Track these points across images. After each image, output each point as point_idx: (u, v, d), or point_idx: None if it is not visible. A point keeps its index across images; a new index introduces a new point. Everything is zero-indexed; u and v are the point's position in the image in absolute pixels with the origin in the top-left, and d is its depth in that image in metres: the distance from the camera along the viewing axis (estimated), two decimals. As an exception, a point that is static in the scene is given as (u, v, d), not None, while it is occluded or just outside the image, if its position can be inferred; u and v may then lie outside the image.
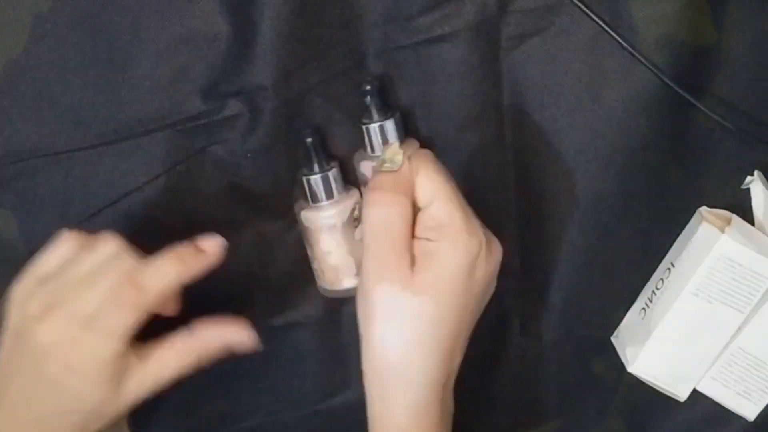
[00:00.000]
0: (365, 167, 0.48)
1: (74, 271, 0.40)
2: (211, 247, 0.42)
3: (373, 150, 0.47)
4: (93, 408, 0.40)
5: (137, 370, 0.41)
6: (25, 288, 0.41)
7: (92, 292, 0.39)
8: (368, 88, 0.46)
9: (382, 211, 0.39)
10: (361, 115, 0.47)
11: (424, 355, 0.39)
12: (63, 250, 0.42)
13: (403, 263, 0.38)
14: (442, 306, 0.39)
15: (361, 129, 0.47)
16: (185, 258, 0.41)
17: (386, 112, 0.47)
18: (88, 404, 0.40)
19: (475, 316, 0.42)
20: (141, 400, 0.41)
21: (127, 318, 0.39)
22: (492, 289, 0.42)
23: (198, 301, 0.45)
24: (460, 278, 0.39)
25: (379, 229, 0.39)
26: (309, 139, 0.46)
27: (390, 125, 0.47)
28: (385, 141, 0.47)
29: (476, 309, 0.41)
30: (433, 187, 0.40)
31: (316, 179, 0.47)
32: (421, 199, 0.40)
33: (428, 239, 0.39)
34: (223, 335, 0.42)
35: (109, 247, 0.41)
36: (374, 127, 0.47)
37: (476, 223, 0.40)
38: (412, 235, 0.40)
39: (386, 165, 0.41)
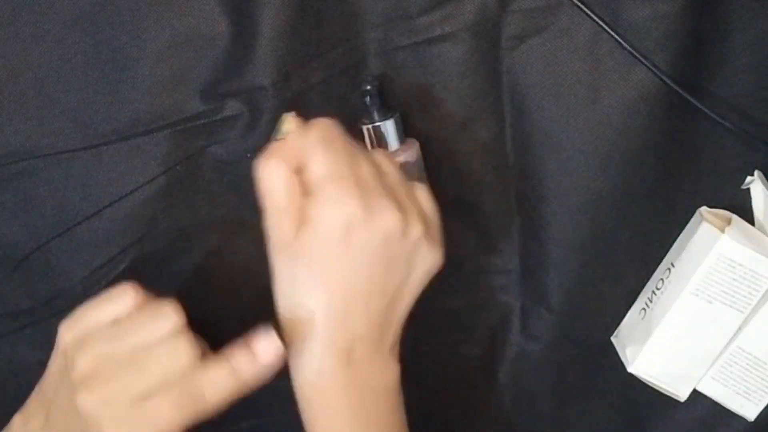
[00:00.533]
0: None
1: (129, 338, 0.39)
2: (266, 354, 0.39)
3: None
4: None
5: None
6: (75, 333, 0.40)
7: (146, 376, 0.38)
8: (368, 88, 0.46)
9: (264, 176, 0.40)
10: (361, 116, 0.47)
11: (309, 316, 0.40)
12: (121, 305, 0.40)
13: (282, 226, 0.39)
14: (316, 268, 0.39)
15: (361, 129, 0.47)
16: (242, 370, 0.39)
17: (386, 112, 0.47)
18: None
19: (384, 283, 0.41)
20: None
21: (174, 419, 0.38)
22: (398, 256, 0.41)
23: (201, 301, 0.45)
24: (331, 241, 0.39)
25: (264, 194, 0.40)
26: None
27: (390, 126, 0.47)
28: (383, 142, 0.47)
29: (378, 274, 0.40)
30: (313, 151, 0.40)
31: (376, 127, 0.46)
32: (306, 161, 0.40)
33: (308, 202, 0.39)
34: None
35: (169, 323, 0.39)
36: (374, 128, 0.47)
37: (351, 187, 0.39)
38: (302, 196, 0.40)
39: (278, 135, 0.41)
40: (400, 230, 0.40)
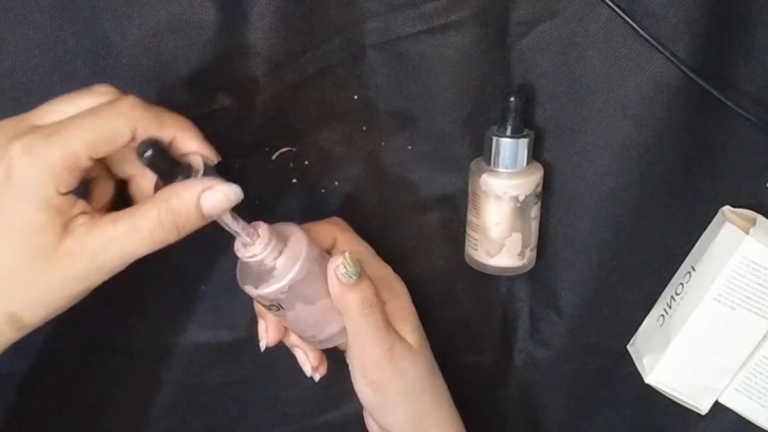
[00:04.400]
0: (485, 181, 0.47)
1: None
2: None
3: (497, 165, 0.46)
4: (39, 241, 0.34)
5: (97, 227, 0.35)
6: None
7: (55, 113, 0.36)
8: (512, 99, 0.45)
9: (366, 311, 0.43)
10: (491, 123, 0.47)
11: None
12: None
13: (399, 339, 0.45)
14: (428, 350, 0.47)
15: (491, 139, 0.46)
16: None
17: (521, 129, 0.46)
18: (32, 230, 0.34)
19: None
20: (105, 271, 0.36)
21: (86, 135, 0.34)
22: None
23: (193, 302, 0.45)
24: (418, 318, 0.47)
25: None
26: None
27: (523, 145, 0.46)
28: (513, 160, 0.46)
29: None
30: (358, 251, 0.46)
31: (507, 143, 0.46)
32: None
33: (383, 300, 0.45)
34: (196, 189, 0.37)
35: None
36: (507, 142, 0.46)
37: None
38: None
39: (351, 279, 0.42)
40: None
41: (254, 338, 0.45)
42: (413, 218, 0.51)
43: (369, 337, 0.43)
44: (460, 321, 0.55)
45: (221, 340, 0.50)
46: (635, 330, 0.53)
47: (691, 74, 0.44)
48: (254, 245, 0.39)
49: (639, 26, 0.43)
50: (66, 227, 0.34)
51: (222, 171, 0.41)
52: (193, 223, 0.36)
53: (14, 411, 0.51)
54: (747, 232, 0.46)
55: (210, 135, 0.45)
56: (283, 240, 0.40)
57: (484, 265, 0.49)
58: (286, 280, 0.39)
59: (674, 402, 0.51)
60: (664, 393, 0.51)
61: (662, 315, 0.51)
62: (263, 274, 0.40)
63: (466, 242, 0.50)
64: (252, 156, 0.46)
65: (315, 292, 0.41)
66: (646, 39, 0.43)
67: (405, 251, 0.49)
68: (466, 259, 0.50)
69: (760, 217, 0.48)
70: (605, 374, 0.55)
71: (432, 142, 0.49)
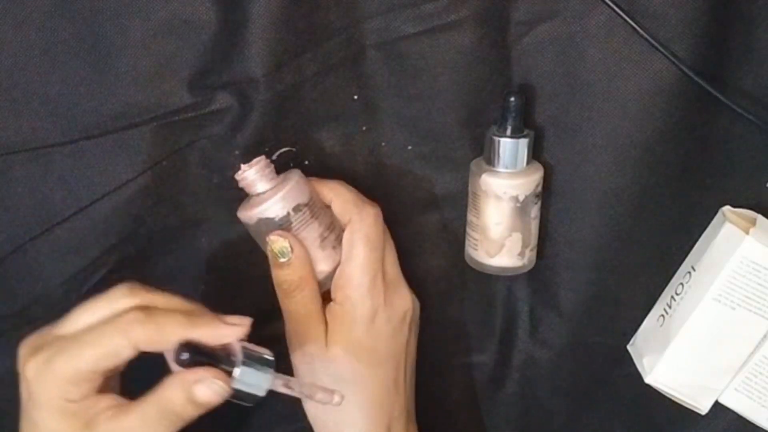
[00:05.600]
0: (486, 181, 0.47)
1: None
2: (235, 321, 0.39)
3: (497, 164, 0.46)
4: None
5: (116, 420, 0.38)
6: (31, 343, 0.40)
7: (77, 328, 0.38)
8: (512, 99, 0.45)
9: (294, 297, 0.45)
10: (491, 123, 0.47)
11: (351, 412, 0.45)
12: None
13: (315, 336, 0.45)
14: (349, 367, 0.45)
15: (491, 139, 0.46)
16: (195, 320, 0.38)
17: (521, 129, 0.46)
18: None
19: (395, 355, 0.46)
20: None
21: (86, 354, 0.37)
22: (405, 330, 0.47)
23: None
24: (362, 338, 0.45)
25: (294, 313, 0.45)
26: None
27: (523, 145, 0.46)
28: (513, 160, 0.46)
29: (393, 352, 0.46)
30: (351, 248, 0.45)
31: (507, 143, 0.46)
32: (344, 253, 0.46)
33: (335, 301, 0.45)
34: (187, 391, 0.38)
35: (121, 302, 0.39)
36: (507, 142, 0.46)
37: (379, 282, 0.45)
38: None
39: (280, 259, 0.44)
40: (413, 309, 0.48)
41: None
42: (413, 218, 0.51)
43: (285, 317, 0.45)
44: (461, 321, 0.54)
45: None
46: (635, 330, 0.53)
47: (691, 74, 0.44)
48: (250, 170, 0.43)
49: (639, 26, 0.43)
50: (89, 425, 0.37)
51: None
52: (190, 412, 0.38)
53: (14, 411, 0.51)
54: (747, 232, 0.46)
55: (210, 135, 0.46)
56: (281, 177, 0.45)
57: (484, 265, 0.49)
58: (279, 196, 0.43)
59: (674, 402, 0.51)
60: (664, 393, 0.50)
61: (662, 315, 0.51)
62: (259, 200, 0.44)
63: (466, 242, 0.50)
64: (252, 156, 0.46)
65: (310, 224, 0.44)
66: (646, 39, 0.43)
67: (405, 251, 0.49)
68: (466, 259, 0.50)
69: (760, 217, 0.48)
70: (605, 374, 0.55)
71: (432, 142, 0.49)
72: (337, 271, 0.45)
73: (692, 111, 0.46)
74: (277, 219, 0.44)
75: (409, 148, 0.49)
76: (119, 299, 0.39)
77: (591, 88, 0.46)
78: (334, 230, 0.45)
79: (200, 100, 0.45)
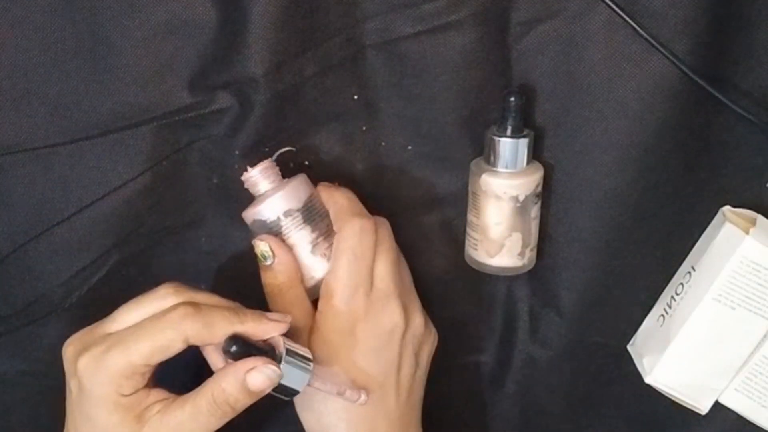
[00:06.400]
0: (486, 181, 0.47)
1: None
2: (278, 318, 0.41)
3: (497, 164, 0.46)
4: None
5: (167, 413, 0.39)
6: (76, 344, 0.41)
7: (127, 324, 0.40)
8: (512, 99, 0.45)
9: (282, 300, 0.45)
10: (491, 123, 0.47)
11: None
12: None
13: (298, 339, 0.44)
14: (321, 379, 0.43)
15: (491, 139, 0.46)
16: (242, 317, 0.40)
17: (521, 129, 0.46)
18: (112, 429, 0.39)
19: (381, 373, 0.45)
20: None
21: (140, 347, 0.38)
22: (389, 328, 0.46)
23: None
24: (338, 350, 0.44)
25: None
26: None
27: (523, 145, 0.46)
28: (513, 160, 0.46)
29: (379, 369, 0.45)
30: (335, 257, 0.45)
31: (507, 143, 0.46)
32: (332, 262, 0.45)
33: (318, 310, 0.45)
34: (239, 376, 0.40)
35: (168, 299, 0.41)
36: (507, 142, 0.46)
37: (359, 295, 0.44)
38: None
39: (263, 262, 0.44)
40: (405, 326, 0.46)
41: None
42: (413, 218, 0.51)
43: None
44: (460, 321, 0.54)
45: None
46: (635, 330, 0.53)
47: (691, 74, 0.44)
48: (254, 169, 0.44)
49: (639, 26, 0.43)
50: (141, 419, 0.39)
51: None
52: (243, 401, 0.39)
53: (14, 411, 0.51)
54: (747, 232, 0.46)
55: (210, 135, 0.46)
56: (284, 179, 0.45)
57: (484, 265, 0.49)
58: (275, 199, 0.44)
59: (674, 402, 0.51)
60: (664, 393, 0.50)
61: (662, 315, 0.51)
62: (260, 199, 0.44)
63: (466, 242, 0.50)
64: (252, 156, 0.46)
65: (306, 229, 0.44)
66: (646, 39, 0.43)
67: (405, 251, 0.49)
68: (466, 259, 0.50)
69: (760, 217, 0.48)
70: (605, 374, 0.55)
71: (432, 142, 0.49)
72: (323, 280, 0.45)
73: (692, 111, 0.46)
74: (268, 222, 0.44)
75: (409, 148, 0.49)
76: (165, 297, 0.40)
77: (591, 88, 0.45)
78: (329, 238, 0.45)
79: (200, 100, 0.44)
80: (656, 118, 0.46)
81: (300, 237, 0.44)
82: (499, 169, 0.47)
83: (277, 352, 0.40)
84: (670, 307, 0.50)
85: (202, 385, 0.39)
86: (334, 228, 0.45)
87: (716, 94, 0.45)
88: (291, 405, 0.45)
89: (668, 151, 0.47)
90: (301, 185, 0.45)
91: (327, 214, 0.45)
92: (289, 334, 0.43)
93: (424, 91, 0.47)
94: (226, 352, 0.39)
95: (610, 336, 0.54)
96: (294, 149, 0.47)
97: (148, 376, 0.39)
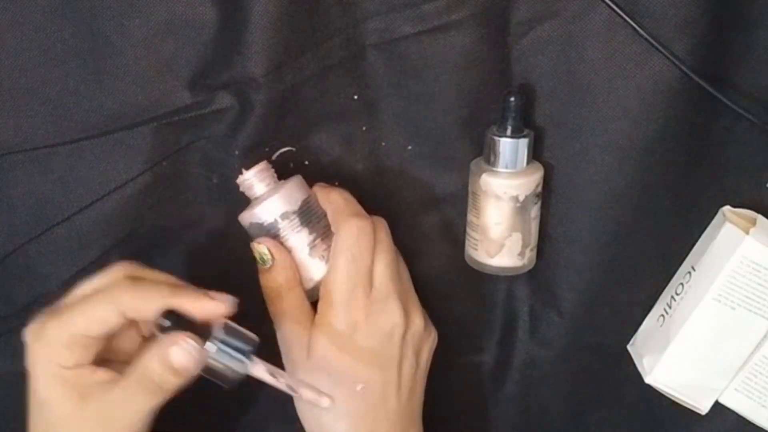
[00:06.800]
0: (486, 181, 0.47)
1: None
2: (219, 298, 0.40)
3: (497, 164, 0.46)
4: (62, 410, 0.39)
5: (109, 391, 0.39)
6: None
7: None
8: (512, 99, 0.45)
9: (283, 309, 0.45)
10: (491, 123, 0.47)
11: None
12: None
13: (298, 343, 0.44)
14: (326, 377, 0.44)
15: (491, 139, 0.46)
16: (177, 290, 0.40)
17: (521, 129, 0.46)
18: (53, 401, 0.39)
19: (382, 374, 0.45)
20: (124, 428, 0.39)
21: (76, 318, 0.39)
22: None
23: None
24: (340, 349, 0.44)
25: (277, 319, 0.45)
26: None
27: (523, 145, 0.46)
28: (513, 160, 0.46)
29: (379, 369, 0.45)
30: (332, 258, 0.44)
31: (507, 143, 0.46)
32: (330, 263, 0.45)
33: (317, 312, 0.45)
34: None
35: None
36: (507, 142, 0.46)
37: (358, 295, 0.44)
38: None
39: (262, 265, 0.44)
40: (404, 325, 0.45)
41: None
42: (413, 218, 0.51)
43: (275, 323, 0.45)
44: (460, 321, 0.54)
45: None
46: (635, 330, 0.53)
47: (691, 74, 0.44)
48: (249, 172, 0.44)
49: (639, 26, 0.43)
50: (84, 396, 0.38)
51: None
52: (169, 380, 0.39)
53: (14, 411, 0.51)
54: (747, 232, 0.46)
55: (210, 135, 0.46)
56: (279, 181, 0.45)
57: (484, 265, 0.49)
58: (273, 200, 0.43)
59: (674, 402, 0.51)
60: (664, 393, 0.50)
61: (662, 315, 0.51)
62: (256, 201, 0.44)
63: (466, 242, 0.50)
64: (252, 156, 0.46)
65: (303, 230, 0.44)
66: (646, 39, 0.43)
67: (405, 251, 0.49)
68: (466, 259, 0.50)
69: (760, 217, 0.48)
70: (605, 374, 0.55)
71: (432, 142, 0.48)
72: (322, 282, 0.45)
73: (692, 111, 0.46)
74: (264, 225, 0.44)
75: (409, 148, 0.49)
76: (113, 273, 0.40)
77: (591, 88, 0.45)
78: (327, 239, 0.45)
79: (200, 100, 0.44)
80: (656, 118, 0.46)
81: (298, 239, 0.44)
82: (499, 169, 0.47)
83: (213, 335, 0.39)
84: (670, 307, 0.50)
85: (138, 360, 0.39)
86: (332, 229, 0.45)
87: (716, 94, 0.45)
88: (292, 405, 0.45)
89: (668, 151, 0.47)
90: (297, 187, 0.45)
91: (324, 216, 0.45)
92: (287, 335, 0.43)
93: (424, 91, 0.47)
94: (159, 328, 0.38)
95: (610, 336, 0.54)
96: (294, 149, 0.47)
97: (93, 351, 0.39)
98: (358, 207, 0.46)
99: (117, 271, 0.40)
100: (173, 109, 0.44)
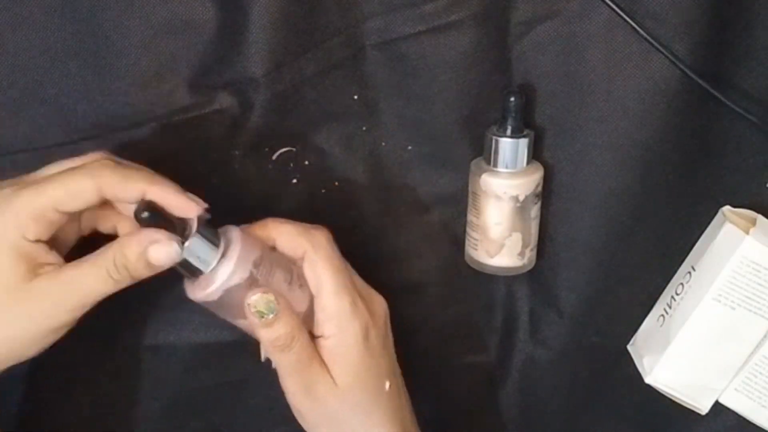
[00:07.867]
0: (486, 181, 0.47)
1: None
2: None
3: (497, 164, 0.46)
4: (7, 280, 0.37)
5: (62, 271, 0.38)
6: None
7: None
8: (512, 99, 0.45)
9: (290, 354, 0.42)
10: (491, 123, 0.47)
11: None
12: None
13: (322, 377, 0.43)
14: (361, 391, 0.43)
15: (491, 139, 0.46)
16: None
17: (521, 129, 0.46)
18: (2, 271, 0.37)
19: (387, 360, 0.45)
20: (71, 308, 0.38)
21: (51, 190, 0.37)
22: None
23: (192, 302, 0.43)
24: (364, 358, 0.43)
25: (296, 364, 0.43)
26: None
27: (523, 145, 0.46)
28: (513, 160, 0.46)
29: (391, 359, 0.46)
30: (318, 279, 0.43)
31: (507, 143, 0.46)
32: (312, 287, 0.43)
33: (323, 336, 0.43)
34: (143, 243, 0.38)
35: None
36: (507, 142, 0.46)
37: (357, 300, 0.43)
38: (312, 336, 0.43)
39: (266, 317, 0.41)
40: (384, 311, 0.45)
41: (254, 339, 0.45)
42: (413, 218, 0.51)
43: (283, 372, 0.43)
44: (460, 321, 0.54)
45: (220, 341, 0.50)
46: (635, 330, 0.53)
47: (691, 74, 0.44)
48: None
49: (639, 26, 0.43)
50: (34, 271, 0.37)
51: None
52: (141, 271, 0.38)
53: (13, 411, 0.50)
54: (747, 232, 0.46)
55: (210, 135, 0.46)
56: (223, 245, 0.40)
57: (484, 265, 0.49)
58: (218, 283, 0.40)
59: (674, 402, 0.51)
60: (664, 393, 0.50)
61: (662, 315, 0.51)
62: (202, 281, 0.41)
63: (466, 242, 0.50)
64: (252, 156, 0.46)
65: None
66: (646, 39, 0.43)
67: (405, 251, 0.49)
68: (466, 259, 0.50)
69: (760, 217, 0.48)
70: (606, 374, 0.55)
71: (432, 142, 0.48)
72: (315, 306, 0.43)
73: (692, 111, 0.46)
74: (243, 282, 0.40)
75: (409, 148, 0.49)
76: (94, 155, 0.39)
77: (591, 88, 0.46)
78: (292, 269, 0.42)
79: (200, 100, 0.44)
80: (656, 118, 0.46)
81: (275, 279, 0.42)
82: (499, 169, 0.47)
83: (187, 230, 0.39)
84: (670, 307, 0.50)
85: (105, 246, 0.38)
86: (296, 253, 0.43)
87: (716, 94, 0.45)
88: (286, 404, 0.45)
89: (668, 151, 0.47)
90: (243, 233, 0.41)
91: (273, 248, 0.43)
92: (306, 378, 0.42)
93: (424, 91, 0.47)
94: (138, 217, 0.37)
95: (610, 336, 0.54)
96: (294, 149, 0.47)
97: (53, 230, 0.38)
98: (300, 224, 0.44)
99: (98, 154, 0.39)
100: (173, 109, 0.44)
